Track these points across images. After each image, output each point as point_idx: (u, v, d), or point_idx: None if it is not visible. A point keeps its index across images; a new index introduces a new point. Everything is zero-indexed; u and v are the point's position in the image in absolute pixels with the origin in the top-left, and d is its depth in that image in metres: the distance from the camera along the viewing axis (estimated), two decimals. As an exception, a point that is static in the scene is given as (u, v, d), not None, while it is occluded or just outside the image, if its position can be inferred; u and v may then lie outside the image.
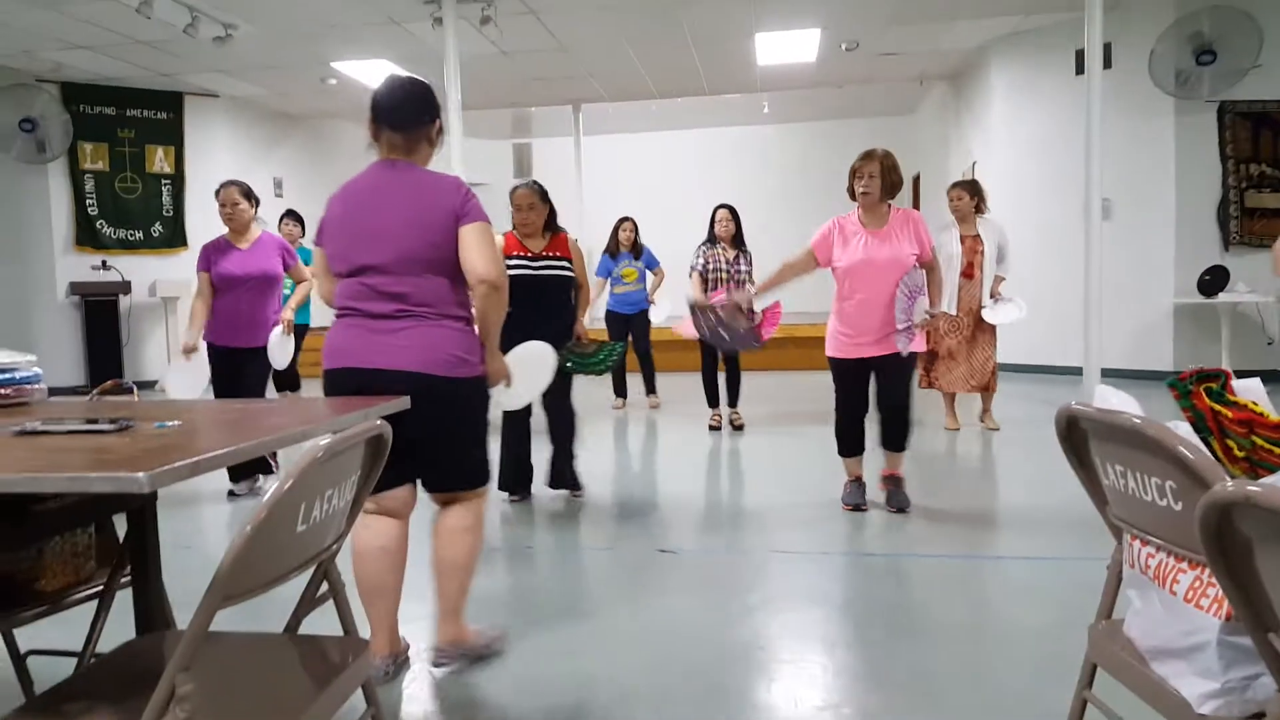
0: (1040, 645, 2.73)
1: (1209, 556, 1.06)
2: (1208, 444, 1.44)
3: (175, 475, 1.28)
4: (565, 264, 4.37)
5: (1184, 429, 1.50)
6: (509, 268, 4.16)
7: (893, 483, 4.31)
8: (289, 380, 7.07)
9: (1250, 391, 1.45)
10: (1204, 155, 8.42)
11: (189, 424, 1.78)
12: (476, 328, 2.54)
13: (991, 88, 10.14)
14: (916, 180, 13.59)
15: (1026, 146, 9.67)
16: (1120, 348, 8.31)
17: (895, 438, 4.23)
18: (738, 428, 6.65)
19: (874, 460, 4.36)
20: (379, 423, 1.64)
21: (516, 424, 4.53)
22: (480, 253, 2.43)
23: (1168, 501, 1.39)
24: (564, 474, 4.64)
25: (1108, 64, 7.71)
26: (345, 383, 2.44)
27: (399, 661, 2.60)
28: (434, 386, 2.39)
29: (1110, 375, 7.62)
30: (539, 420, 4.57)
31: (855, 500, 4.30)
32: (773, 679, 2.56)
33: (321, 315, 7.11)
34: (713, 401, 6.75)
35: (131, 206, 10.41)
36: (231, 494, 4.90)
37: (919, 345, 4.13)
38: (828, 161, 14.85)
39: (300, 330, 6.82)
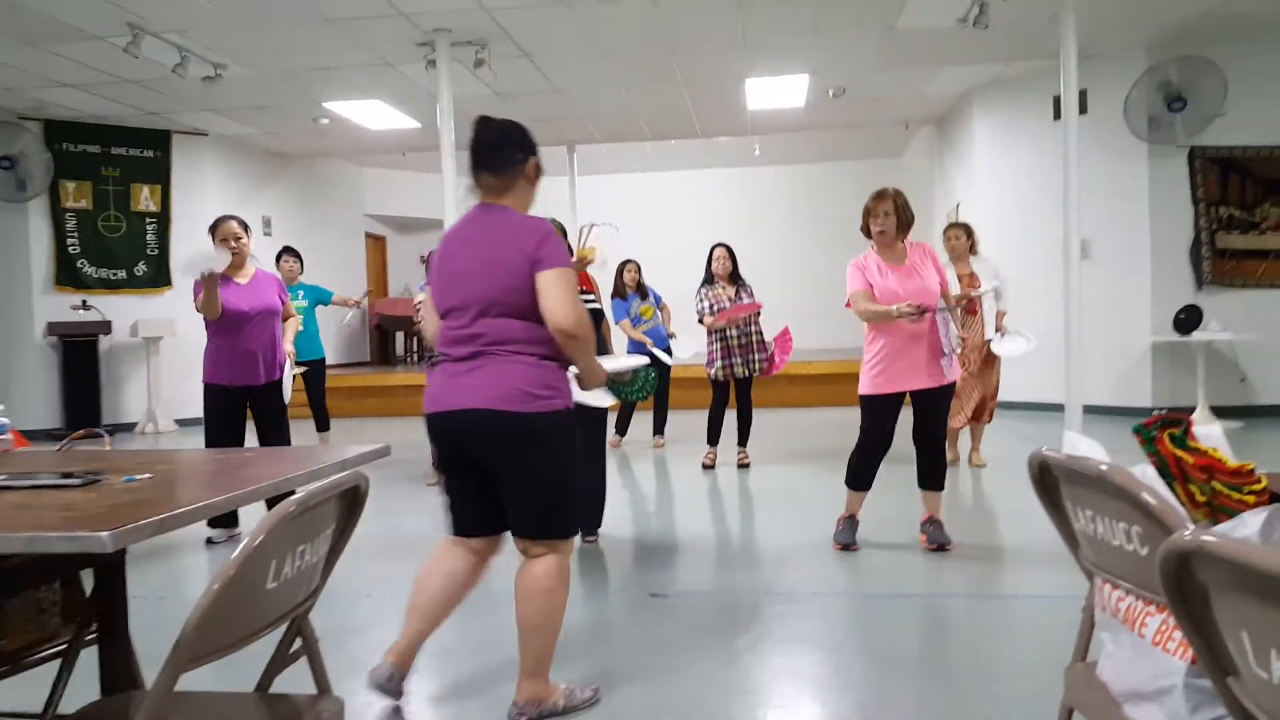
0: (1024, 684, 2.77)
1: (1170, 603, 1.11)
2: (1172, 489, 1.50)
3: (139, 534, 1.25)
4: (592, 298, 4.45)
5: (1150, 474, 1.56)
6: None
7: (932, 524, 4.29)
8: (321, 420, 7.15)
9: (1210, 438, 1.51)
10: (1176, 198, 8.62)
11: (161, 476, 1.75)
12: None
13: (974, 132, 10.35)
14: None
15: (1008, 189, 9.86)
16: (1101, 385, 8.42)
17: (935, 476, 4.26)
18: (743, 466, 6.66)
19: (882, 501, 4.39)
20: (355, 474, 1.62)
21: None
22: (555, 300, 2.39)
23: (1134, 546, 1.45)
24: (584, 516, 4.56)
25: (1084, 110, 7.89)
26: (435, 427, 2.52)
27: (400, 677, 2.59)
28: (502, 422, 2.39)
29: (1091, 412, 7.74)
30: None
31: (846, 540, 4.32)
32: (753, 714, 2.59)
33: (305, 354, 7.13)
34: (712, 439, 6.76)
35: (115, 245, 10.35)
36: (210, 542, 4.77)
37: (957, 372, 4.19)
38: (819, 203, 15.16)
39: (318, 365, 6.95)
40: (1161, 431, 1.54)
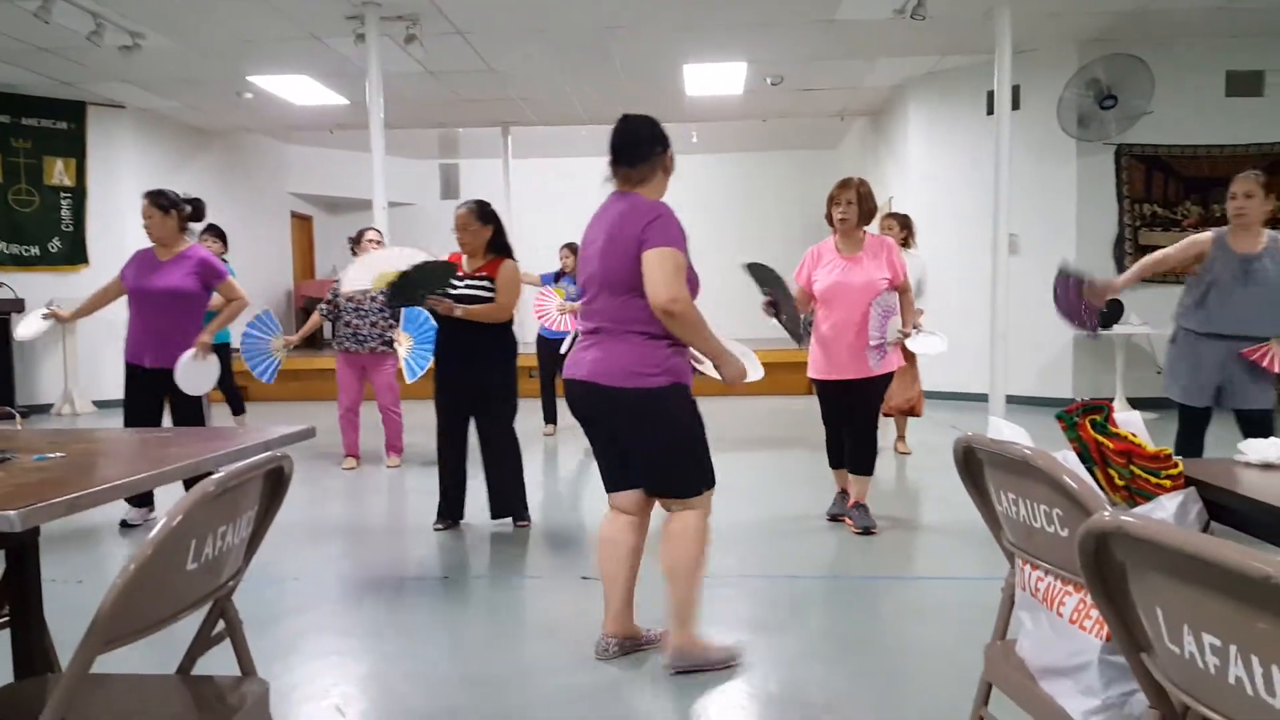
0: (945, 662, 2.83)
1: (1087, 582, 1.13)
2: (1092, 474, 1.53)
3: (50, 513, 1.22)
4: (485, 285, 4.35)
5: (1071, 459, 1.58)
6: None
7: (859, 509, 4.42)
8: (236, 403, 6.96)
9: (1130, 424, 1.54)
10: (1103, 194, 8.87)
11: (74, 456, 1.70)
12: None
13: (909, 125, 10.51)
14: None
15: (940, 182, 10.04)
16: (1024, 376, 8.66)
17: (858, 460, 4.40)
18: None
19: (808, 486, 4.46)
20: (278, 455, 1.57)
21: (449, 452, 4.49)
22: (655, 279, 2.53)
23: (1054, 528, 1.47)
24: (510, 502, 4.55)
25: (1016, 105, 8.08)
26: (568, 394, 2.77)
27: (623, 646, 2.83)
28: (609, 396, 2.62)
29: (1016, 402, 7.96)
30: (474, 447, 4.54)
31: (835, 511, 4.58)
32: (683, 704, 2.59)
33: (234, 337, 6.93)
34: None
35: (26, 220, 9.90)
36: (124, 525, 4.62)
37: (891, 364, 4.27)
38: (755, 193, 15.26)
39: (223, 350, 6.66)
40: (1083, 418, 1.56)
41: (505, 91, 10.53)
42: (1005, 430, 1.59)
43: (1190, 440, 4.10)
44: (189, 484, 1.66)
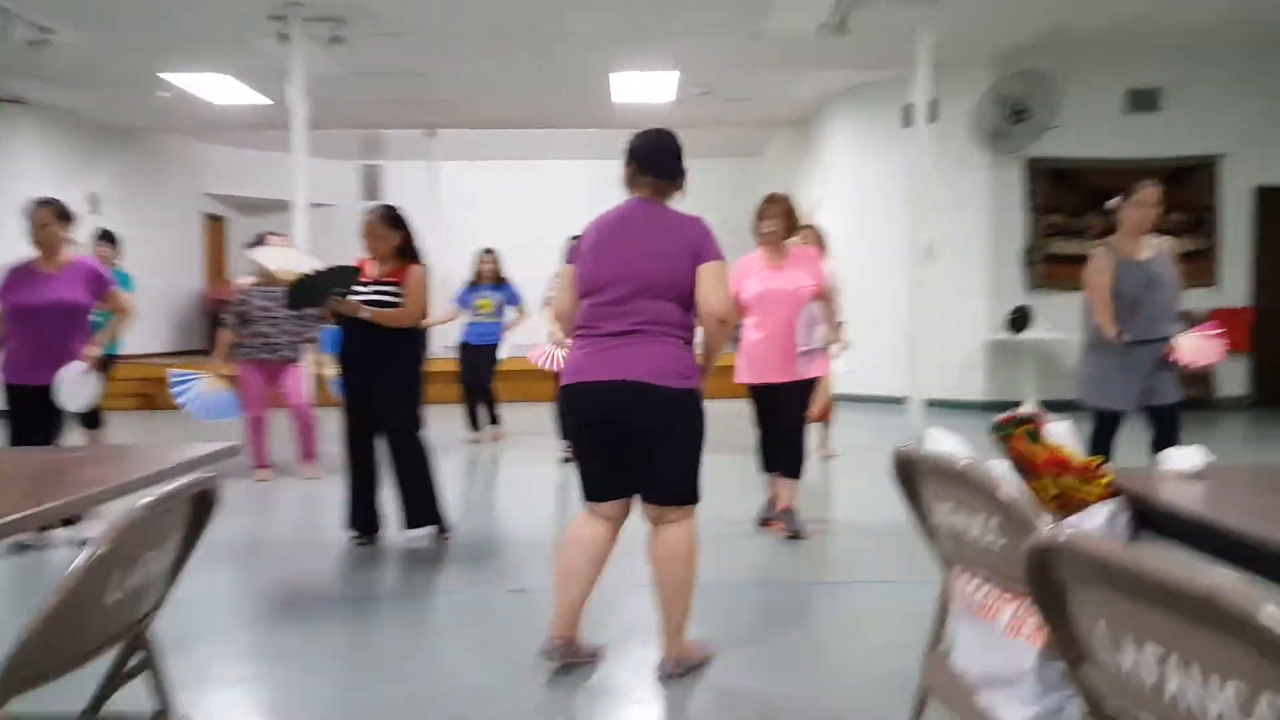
0: (878, 670, 2.87)
1: (1032, 595, 1.16)
2: (1025, 484, 1.57)
3: None
4: (393, 291, 4.26)
5: (1004, 468, 1.63)
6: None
7: (788, 513, 4.51)
8: (90, 418, 6.50)
9: (1060, 434, 1.60)
10: (1013, 205, 9.21)
11: None
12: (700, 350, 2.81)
13: (832, 136, 10.74)
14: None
15: (861, 191, 10.27)
16: (940, 380, 8.87)
17: (788, 463, 4.50)
18: None
19: (733, 491, 4.47)
20: (206, 476, 1.50)
21: (361, 459, 4.38)
22: (715, 291, 2.69)
23: (991, 538, 1.51)
24: (424, 512, 4.42)
25: (932, 118, 8.31)
26: (582, 396, 2.69)
27: (571, 652, 2.78)
28: (658, 395, 2.63)
29: (931, 405, 8.18)
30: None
31: (766, 515, 4.62)
32: (611, 713, 2.58)
33: (137, 344, 6.62)
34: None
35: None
36: (23, 546, 4.31)
37: (817, 369, 4.43)
38: (681, 200, 15.34)
39: (107, 361, 6.30)
40: (1016, 429, 1.61)
41: (433, 94, 10.39)
42: (945, 441, 1.63)
43: (1107, 443, 4.27)
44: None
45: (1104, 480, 1.49)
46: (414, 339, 4.42)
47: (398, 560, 4.26)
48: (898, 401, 8.62)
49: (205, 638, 3.24)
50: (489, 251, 7.61)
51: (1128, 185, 9.33)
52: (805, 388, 4.42)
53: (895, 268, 9.08)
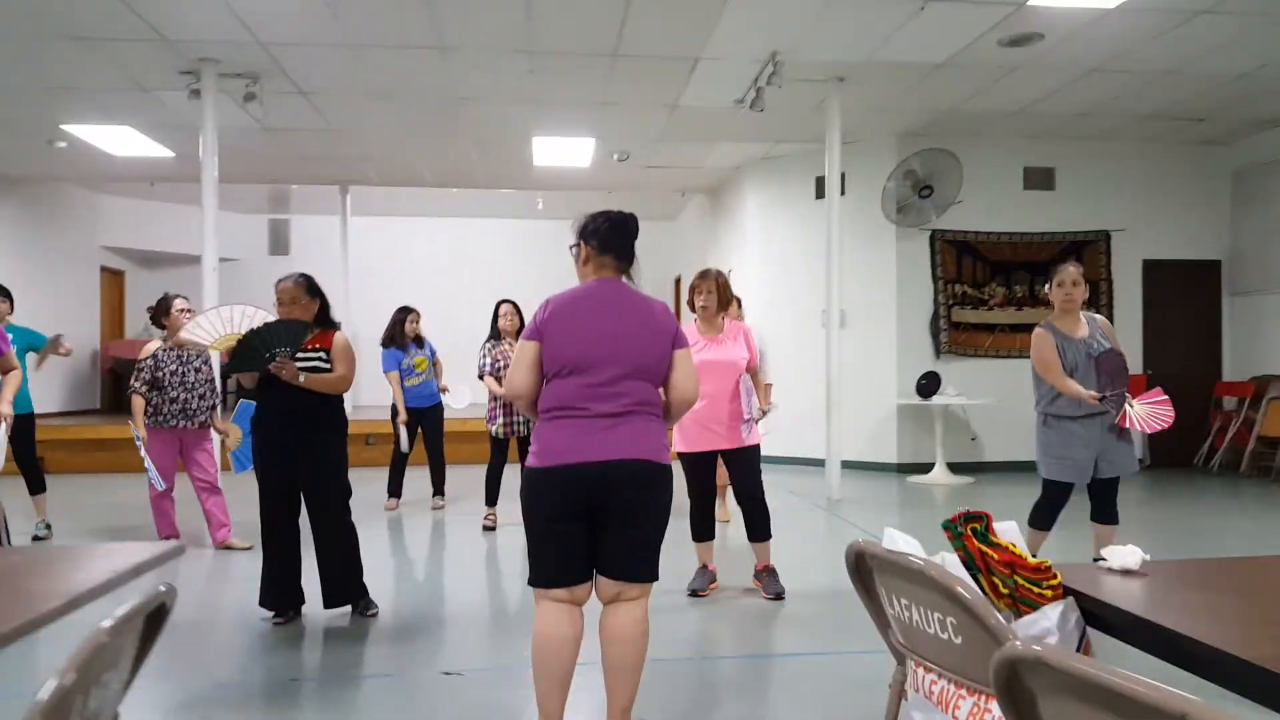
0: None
1: (1001, 702, 1.21)
2: (977, 581, 1.64)
3: None
4: (321, 357, 4.19)
5: (953, 561, 1.69)
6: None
7: (767, 573, 4.68)
8: (35, 481, 6.18)
9: (1009, 533, 1.67)
10: (919, 275, 9.61)
11: None
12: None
13: (746, 204, 11.07)
14: (677, 282, 14.41)
15: (774, 259, 10.58)
16: (854, 442, 9.13)
17: (759, 527, 4.64)
18: None
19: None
20: (161, 589, 1.42)
21: (280, 534, 4.22)
22: (691, 377, 2.86)
23: (949, 635, 1.56)
24: (347, 588, 4.29)
25: (842, 191, 8.65)
26: (569, 475, 2.67)
27: None
28: (654, 472, 2.72)
29: (847, 466, 8.38)
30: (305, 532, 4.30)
31: (699, 585, 4.69)
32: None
33: (43, 402, 6.32)
34: (491, 500, 6.61)
35: None
36: None
37: (756, 437, 4.60)
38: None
39: (27, 420, 6.00)
40: (965, 526, 1.68)
41: (346, 151, 10.30)
42: (900, 541, 1.68)
43: (1053, 512, 4.42)
44: None
45: (1055, 580, 1.57)
46: (340, 407, 4.33)
47: (320, 641, 4.08)
48: (815, 463, 8.80)
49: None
50: (413, 310, 7.48)
51: (1027, 258, 9.88)
52: (754, 451, 4.59)
53: (808, 333, 9.37)
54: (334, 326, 4.31)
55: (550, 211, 14.36)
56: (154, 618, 1.42)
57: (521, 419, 6.40)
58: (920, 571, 1.55)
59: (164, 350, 5.57)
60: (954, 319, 9.57)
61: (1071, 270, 4.37)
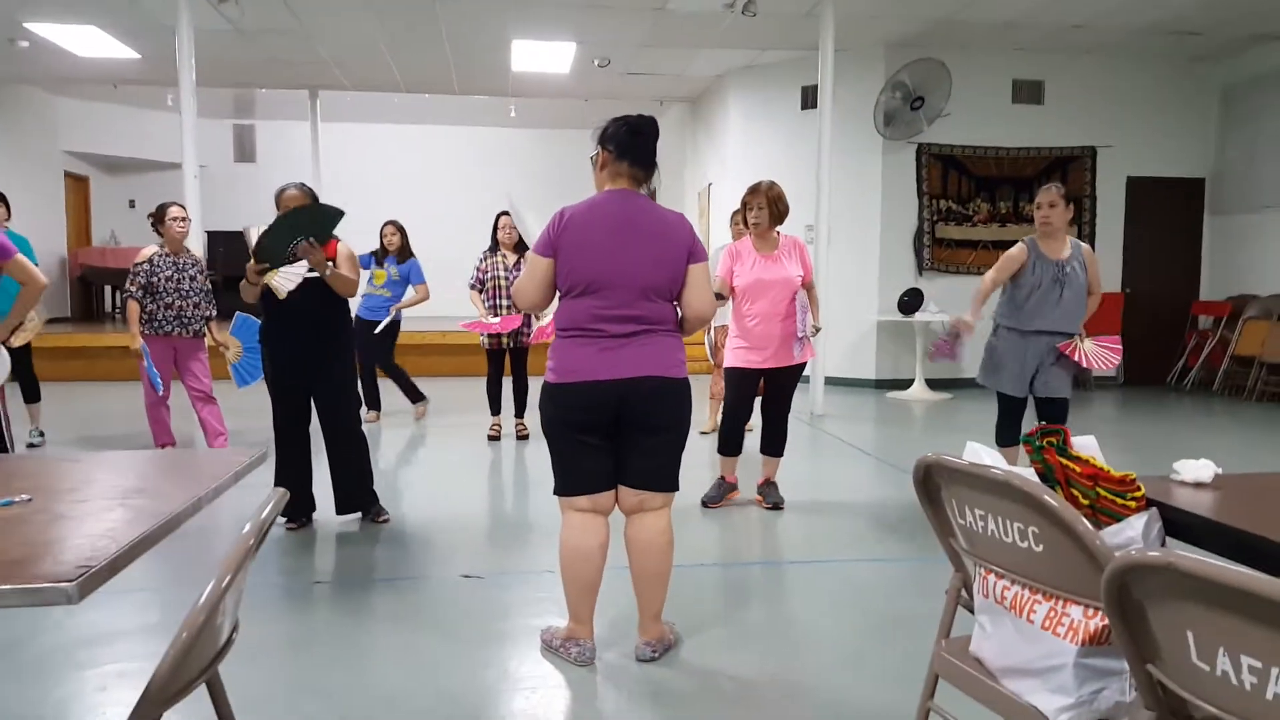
0: (846, 646, 3.02)
1: (1109, 610, 1.27)
2: (1055, 493, 1.69)
3: (99, 579, 1.08)
4: (331, 265, 4.16)
5: (1029, 474, 1.75)
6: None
7: (768, 485, 4.84)
8: (30, 389, 6.19)
9: (1088, 447, 1.73)
10: (904, 190, 9.59)
11: (44, 497, 1.49)
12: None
13: (728, 115, 10.87)
14: (652, 195, 14.24)
15: (757, 171, 10.38)
16: (834, 358, 9.25)
17: (773, 443, 4.76)
18: (522, 438, 6.65)
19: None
20: (279, 493, 1.46)
21: (293, 442, 4.24)
22: (705, 292, 2.83)
23: (1028, 544, 1.62)
24: (356, 496, 4.39)
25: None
26: (591, 393, 2.72)
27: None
28: (673, 387, 2.78)
29: (828, 383, 8.50)
30: (317, 440, 4.31)
31: (714, 496, 4.80)
32: (602, 695, 2.62)
33: None
34: (494, 409, 6.69)
35: None
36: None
37: (809, 353, 4.60)
38: (573, 168, 15.18)
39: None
40: (1043, 440, 1.73)
41: (318, 54, 9.94)
42: (984, 455, 1.73)
43: (1011, 426, 4.55)
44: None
45: (1139, 492, 1.63)
46: (347, 315, 4.33)
47: (334, 546, 4.15)
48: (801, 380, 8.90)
49: (136, 634, 3.09)
50: (389, 223, 7.34)
51: (1013, 174, 9.85)
52: (797, 372, 4.61)
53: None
54: (333, 236, 4.25)
55: (524, 120, 14.04)
56: (262, 535, 1.44)
57: (508, 334, 6.39)
58: (1004, 482, 1.59)
59: (160, 255, 5.46)
60: (938, 235, 9.61)
61: (1052, 191, 4.37)
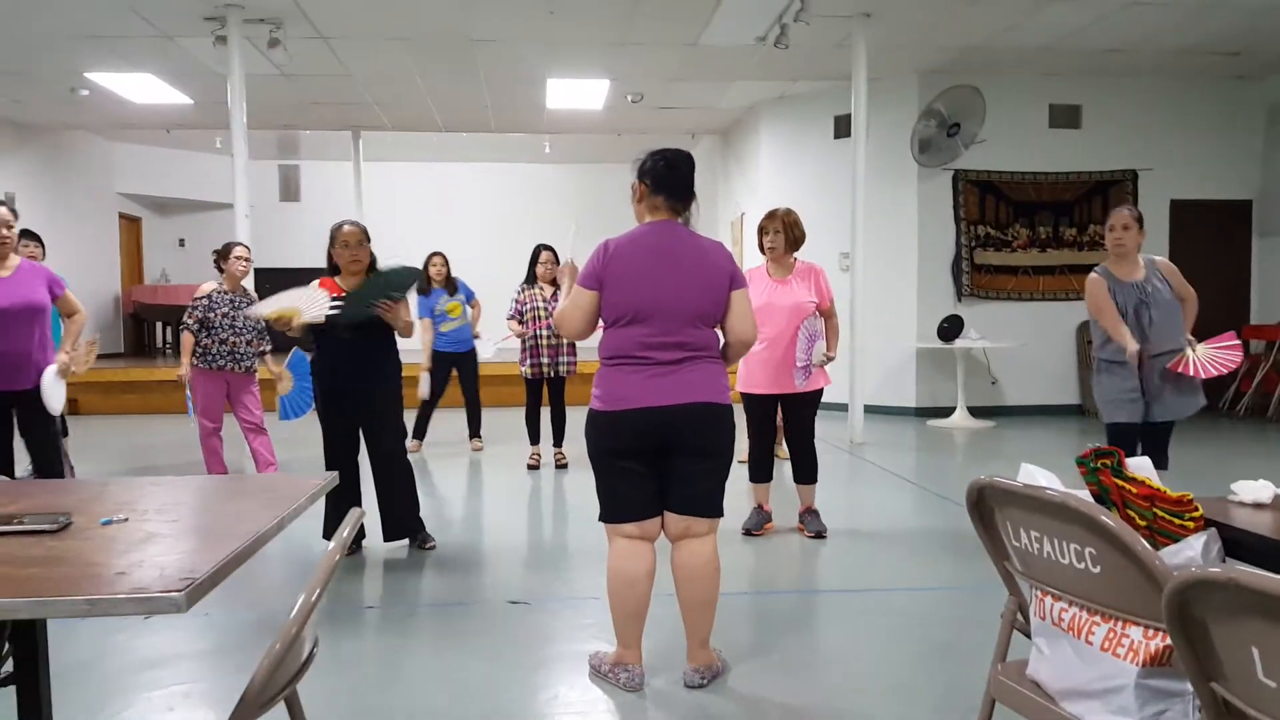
0: (895, 676, 3.00)
1: (1172, 629, 1.28)
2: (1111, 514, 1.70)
3: (203, 589, 1.15)
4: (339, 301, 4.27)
5: (1083, 496, 1.76)
6: (332, 308, 4.08)
7: (810, 514, 4.82)
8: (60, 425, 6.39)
9: (1143, 468, 1.74)
10: (941, 216, 9.57)
11: (139, 515, 1.59)
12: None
13: (760, 145, 10.96)
14: (687, 223, 14.35)
15: (789, 200, 10.43)
16: (872, 385, 9.19)
17: (803, 470, 4.76)
18: (561, 466, 6.70)
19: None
20: (359, 513, 1.52)
21: (343, 471, 4.33)
22: (748, 318, 2.91)
23: (1085, 565, 1.63)
24: (404, 523, 4.49)
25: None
26: (637, 420, 2.77)
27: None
28: (719, 412, 2.82)
29: (868, 411, 8.45)
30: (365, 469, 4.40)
31: (754, 524, 4.80)
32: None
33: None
34: (533, 439, 6.77)
35: None
36: None
37: (818, 381, 4.61)
38: (605, 204, 15.38)
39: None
40: (1097, 461, 1.74)
41: (361, 96, 10.21)
42: (1039, 477, 1.75)
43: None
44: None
45: (1197, 512, 1.64)
46: (396, 353, 4.44)
47: (382, 572, 4.22)
48: (838, 408, 8.87)
49: (196, 657, 3.16)
50: (436, 254, 7.47)
51: (1052, 199, 9.75)
52: (810, 399, 4.60)
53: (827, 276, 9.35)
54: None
55: (557, 155, 14.25)
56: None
57: (548, 360, 6.47)
58: (1061, 504, 1.61)
59: (218, 292, 5.65)
60: (976, 261, 9.56)
61: (1124, 214, 4.28)
